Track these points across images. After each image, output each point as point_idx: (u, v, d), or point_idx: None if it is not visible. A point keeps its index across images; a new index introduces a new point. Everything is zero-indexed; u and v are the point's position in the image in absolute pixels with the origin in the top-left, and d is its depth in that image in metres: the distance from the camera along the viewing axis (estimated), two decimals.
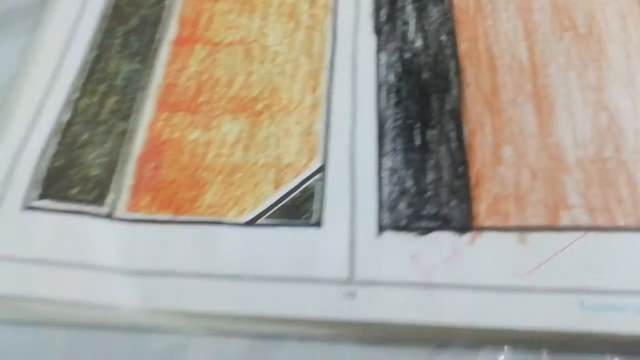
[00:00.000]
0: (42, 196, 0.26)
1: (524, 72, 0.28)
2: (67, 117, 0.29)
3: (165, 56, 0.31)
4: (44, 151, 0.27)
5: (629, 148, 0.25)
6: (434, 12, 0.32)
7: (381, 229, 0.25)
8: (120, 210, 0.26)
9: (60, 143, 0.28)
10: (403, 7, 0.32)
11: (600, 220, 0.23)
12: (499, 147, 0.26)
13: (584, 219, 0.23)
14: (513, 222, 0.24)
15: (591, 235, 0.23)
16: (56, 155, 0.27)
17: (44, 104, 0.29)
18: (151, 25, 0.33)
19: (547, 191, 0.25)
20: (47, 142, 0.28)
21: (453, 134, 0.27)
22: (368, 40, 0.31)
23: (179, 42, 0.32)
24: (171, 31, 0.33)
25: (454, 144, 0.27)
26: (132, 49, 0.32)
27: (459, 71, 0.29)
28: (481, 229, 0.24)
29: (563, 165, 0.25)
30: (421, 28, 0.31)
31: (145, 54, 0.31)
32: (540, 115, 0.27)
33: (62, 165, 0.27)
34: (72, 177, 0.27)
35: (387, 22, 0.32)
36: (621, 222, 0.23)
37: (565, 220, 0.24)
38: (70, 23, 0.33)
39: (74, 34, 0.32)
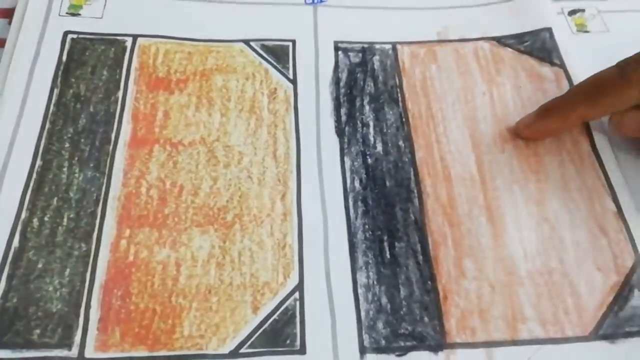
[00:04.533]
0: None
1: (476, 184, 0.31)
2: (17, 242, 0.26)
3: (122, 160, 0.30)
4: None
5: (570, 259, 0.29)
6: (390, 114, 0.33)
7: (363, 350, 0.26)
8: (90, 350, 0.24)
9: (12, 276, 0.25)
10: (362, 107, 0.34)
11: (552, 332, 0.26)
12: (461, 260, 0.29)
13: (538, 332, 0.27)
14: (480, 337, 0.26)
15: (547, 347, 0.26)
16: (9, 292, 0.25)
17: None
18: (102, 124, 0.31)
19: (506, 304, 0.27)
20: None
21: (419, 247, 0.29)
22: (331, 141, 0.32)
23: (136, 143, 0.31)
24: (125, 130, 0.31)
25: (420, 257, 0.29)
26: (84, 154, 0.29)
27: (418, 181, 0.31)
28: (453, 345, 0.26)
29: (517, 278, 0.28)
30: (380, 131, 0.33)
31: (99, 159, 0.29)
32: (493, 228, 0.29)
33: (17, 303, 0.24)
34: (30, 316, 0.24)
35: (347, 123, 0.33)
36: (569, 333, 0.27)
37: (523, 333, 0.26)
38: (10, 126, 0.29)
39: (15, 138, 0.29)
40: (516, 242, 0.29)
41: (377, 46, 0.36)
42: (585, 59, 0.35)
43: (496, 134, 0.33)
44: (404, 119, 0.33)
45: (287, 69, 0.34)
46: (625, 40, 0.32)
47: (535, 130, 0.32)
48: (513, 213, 0.30)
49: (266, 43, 0.35)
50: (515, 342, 0.26)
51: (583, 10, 0.38)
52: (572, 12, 0.38)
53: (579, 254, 0.28)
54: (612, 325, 0.26)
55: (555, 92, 0.34)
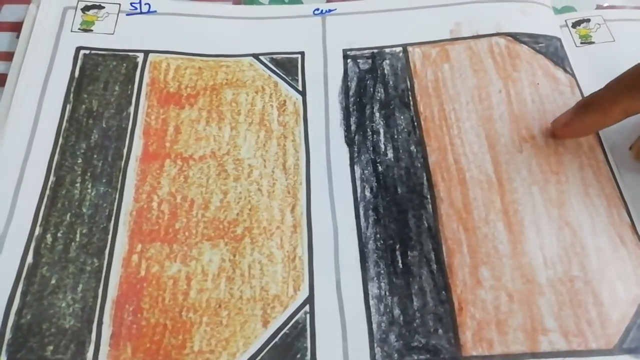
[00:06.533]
0: None
1: (493, 187, 0.30)
2: (30, 259, 0.27)
3: (134, 175, 0.30)
4: (8, 306, 0.25)
5: (592, 266, 0.27)
6: (401, 119, 0.33)
7: None
8: None
9: (26, 292, 0.26)
10: (372, 114, 0.33)
11: (575, 344, 0.25)
12: (477, 268, 0.27)
13: (560, 344, 0.25)
14: (497, 350, 0.25)
15: None
16: (23, 308, 0.25)
17: (2, 245, 0.27)
18: (114, 139, 0.31)
19: (525, 314, 0.26)
20: (11, 293, 0.25)
21: (432, 255, 0.28)
22: (341, 151, 0.32)
23: (147, 158, 0.31)
24: (137, 145, 0.31)
25: (434, 266, 0.28)
26: (96, 170, 0.30)
27: (431, 186, 0.30)
28: (469, 359, 0.25)
29: (536, 287, 0.27)
30: (391, 137, 0.32)
31: (111, 175, 0.30)
32: (511, 234, 0.28)
33: (31, 320, 0.25)
34: (44, 333, 0.25)
35: (357, 132, 0.32)
36: (593, 345, 0.25)
37: (544, 345, 0.25)
38: (23, 142, 0.30)
39: (28, 154, 0.30)
40: (536, 248, 0.28)
41: (388, 50, 0.35)
42: (591, 71, 0.34)
43: (513, 133, 0.32)
44: (415, 123, 0.32)
45: (296, 80, 0.34)
46: (632, 50, 0.31)
47: (574, 127, 0.30)
48: (532, 216, 0.29)
49: (275, 56, 0.35)
50: (535, 355, 0.25)
51: (588, 20, 0.36)
52: (577, 24, 0.36)
53: (601, 261, 0.27)
54: (635, 339, 0.25)
55: (570, 97, 0.33)
